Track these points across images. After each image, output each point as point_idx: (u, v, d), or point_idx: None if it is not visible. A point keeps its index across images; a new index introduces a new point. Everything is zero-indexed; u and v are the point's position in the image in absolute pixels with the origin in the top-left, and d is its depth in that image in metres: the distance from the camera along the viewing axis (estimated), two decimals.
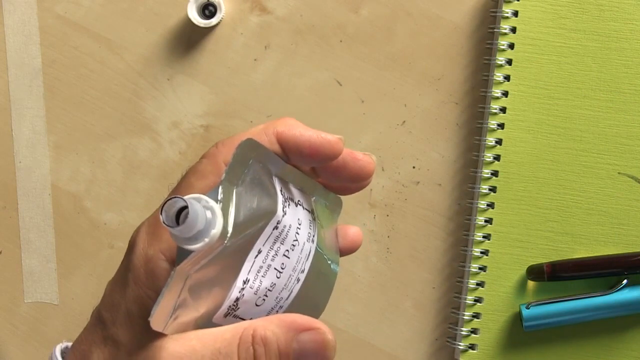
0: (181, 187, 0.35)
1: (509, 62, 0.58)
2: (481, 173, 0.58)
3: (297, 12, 0.62)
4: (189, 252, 0.30)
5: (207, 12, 0.62)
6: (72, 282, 0.63)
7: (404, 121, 0.61)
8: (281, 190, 0.35)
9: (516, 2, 0.58)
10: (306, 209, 0.36)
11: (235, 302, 0.33)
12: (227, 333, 0.32)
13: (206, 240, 0.29)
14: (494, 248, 0.58)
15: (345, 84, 0.61)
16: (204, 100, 0.62)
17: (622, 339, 0.57)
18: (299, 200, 0.36)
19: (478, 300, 0.58)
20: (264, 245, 0.33)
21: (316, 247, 0.36)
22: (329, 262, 0.38)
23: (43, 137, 0.64)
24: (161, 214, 0.29)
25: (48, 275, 0.64)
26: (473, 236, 0.58)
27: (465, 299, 0.58)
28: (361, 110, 0.61)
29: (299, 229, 0.35)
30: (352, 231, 0.41)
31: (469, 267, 0.58)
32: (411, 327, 0.60)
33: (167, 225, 0.29)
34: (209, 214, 0.30)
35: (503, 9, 0.58)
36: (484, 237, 0.58)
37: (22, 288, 0.64)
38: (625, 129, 0.57)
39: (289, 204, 0.35)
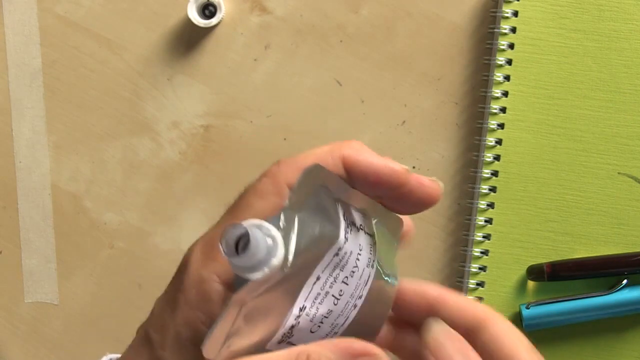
0: (240, 207, 0.34)
1: (509, 62, 0.58)
2: (481, 173, 0.58)
3: (297, 12, 0.62)
4: (247, 279, 0.29)
5: (207, 12, 0.62)
6: (72, 282, 0.63)
7: (404, 121, 0.61)
8: (344, 215, 0.34)
9: (516, 2, 0.58)
10: (367, 233, 0.35)
11: (290, 329, 0.32)
12: (280, 358, 0.31)
13: (266, 270, 0.29)
14: (494, 248, 0.58)
15: (345, 84, 0.61)
16: (204, 100, 0.62)
17: (622, 339, 0.57)
18: (360, 225, 0.35)
19: (478, 300, 0.58)
20: (323, 272, 0.32)
21: (375, 269, 0.35)
22: (388, 279, 0.37)
23: (43, 137, 0.64)
24: (220, 242, 0.29)
25: (48, 275, 0.63)
26: (473, 236, 0.58)
27: None
28: (361, 110, 0.61)
29: (360, 254, 0.34)
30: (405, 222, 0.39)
31: (469, 267, 0.58)
32: None
33: (227, 255, 0.29)
34: (269, 241, 0.29)
35: (503, 9, 0.58)
36: (484, 237, 0.58)
37: (22, 288, 0.64)
38: (625, 129, 0.57)
39: (350, 230, 0.34)
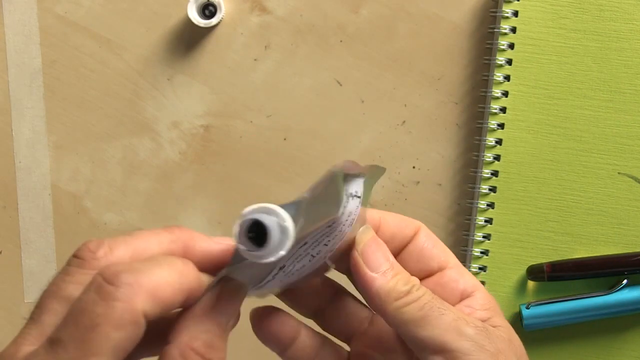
0: (94, 338, 0.29)
1: (509, 62, 0.58)
2: (481, 173, 0.58)
3: (297, 12, 0.62)
4: (250, 260, 0.30)
5: (207, 12, 0.62)
6: None
7: (404, 121, 0.61)
8: (346, 191, 0.35)
9: (516, 2, 0.58)
10: (357, 197, 0.37)
11: (265, 282, 0.34)
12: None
13: (272, 259, 0.30)
14: (494, 248, 0.58)
15: (345, 84, 0.61)
16: (204, 100, 0.62)
17: (622, 339, 0.57)
18: (355, 192, 0.36)
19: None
20: (311, 238, 0.34)
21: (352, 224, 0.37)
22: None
23: (43, 137, 0.64)
24: (238, 235, 0.29)
25: (48, 275, 0.63)
26: (473, 236, 0.58)
27: None
28: (361, 110, 0.61)
29: (347, 220, 0.36)
30: None
31: (469, 267, 0.58)
32: None
33: (246, 250, 0.30)
34: (281, 232, 0.30)
35: (503, 9, 0.58)
36: (484, 237, 0.58)
37: (22, 288, 0.64)
38: (625, 129, 0.57)
39: (347, 200, 0.35)
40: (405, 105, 0.61)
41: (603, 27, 0.57)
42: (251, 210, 0.30)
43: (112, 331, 0.29)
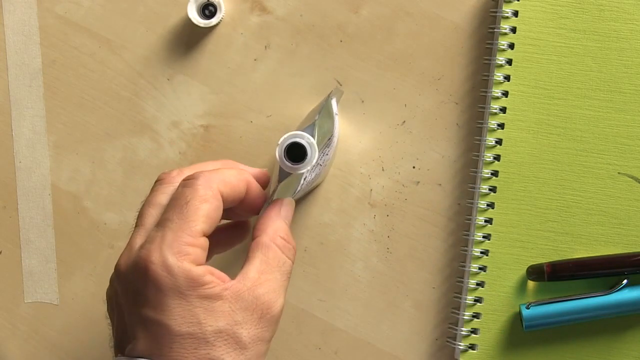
0: (189, 210, 0.44)
1: (509, 62, 0.58)
2: (481, 173, 0.58)
3: (297, 12, 0.62)
4: (293, 173, 0.45)
5: (207, 12, 0.62)
6: (72, 282, 0.63)
7: (404, 121, 0.61)
8: (336, 113, 0.50)
9: (516, 2, 0.58)
10: (336, 114, 0.50)
11: (296, 192, 0.48)
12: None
13: (308, 167, 0.44)
14: (494, 248, 0.58)
15: (345, 84, 0.61)
16: (204, 100, 0.62)
17: (622, 339, 0.57)
18: (336, 111, 0.50)
19: (478, 300, 0.58)
20: (320, 150, 0.46)
21: (337, 138, 0.51)
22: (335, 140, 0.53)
23: (43, 137, 0.64)
24: (282, 153, 0.44)
25: (48, 275, 0.64)
26: (473, 236, 0.58)
27: (465, 299, 0.58)
28: (361, 110, 0.61)
29: (335, 133, 0.49)
30: None
31: (469, 267, 0.58)
32: (411, 327, 0.60)
33: (289, 164, 0.44)
34: (310, 147, 0.44)
35: (503, 9, 0.58)
36: (484, 237, 0.58)
37: (22, 288, 0.64)
38: (625, 129, 0.57)
39: (337, 119, 0.49)
40: (405, 105, 0.61)
41: (603, 27, 0.57)
42: (286, 137, 0.44)
43: (200, 204, 0.43)
